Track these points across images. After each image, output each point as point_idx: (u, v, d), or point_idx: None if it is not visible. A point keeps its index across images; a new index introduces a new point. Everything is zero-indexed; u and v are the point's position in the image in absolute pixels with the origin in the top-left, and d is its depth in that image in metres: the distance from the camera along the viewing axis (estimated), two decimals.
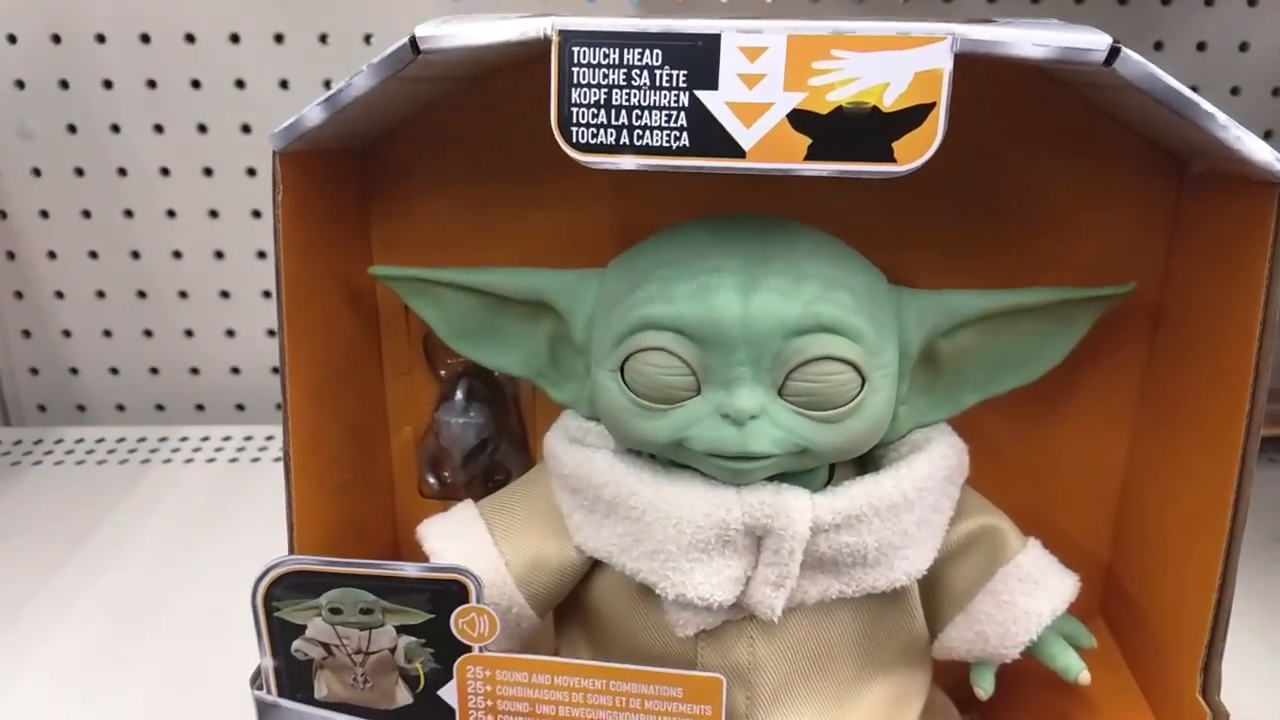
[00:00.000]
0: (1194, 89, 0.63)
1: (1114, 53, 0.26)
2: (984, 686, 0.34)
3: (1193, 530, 0.33)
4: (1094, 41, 0.26)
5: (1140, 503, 0.38)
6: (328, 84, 0.64)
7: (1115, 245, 0.36)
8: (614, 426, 0.31)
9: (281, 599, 0.29)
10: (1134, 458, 0.39)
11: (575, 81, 0.26)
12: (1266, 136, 0.66)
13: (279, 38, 0.63)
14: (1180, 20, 0.63)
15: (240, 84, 0.65)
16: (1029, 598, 0.33)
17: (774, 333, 0.28)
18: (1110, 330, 0.37)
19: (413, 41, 0.27)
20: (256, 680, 0.31)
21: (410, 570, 0.29)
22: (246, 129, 0.65)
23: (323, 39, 0.63)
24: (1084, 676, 0.33)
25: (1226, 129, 0.27)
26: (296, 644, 0.30)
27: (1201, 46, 0.63)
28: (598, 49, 0.26)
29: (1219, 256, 0.32)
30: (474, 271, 0.35)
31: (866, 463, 0.33)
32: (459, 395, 0.40)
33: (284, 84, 0.64)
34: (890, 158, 0.26)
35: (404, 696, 0.30)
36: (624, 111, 0.26)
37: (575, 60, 0.26)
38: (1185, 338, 0.35)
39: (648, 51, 0.26)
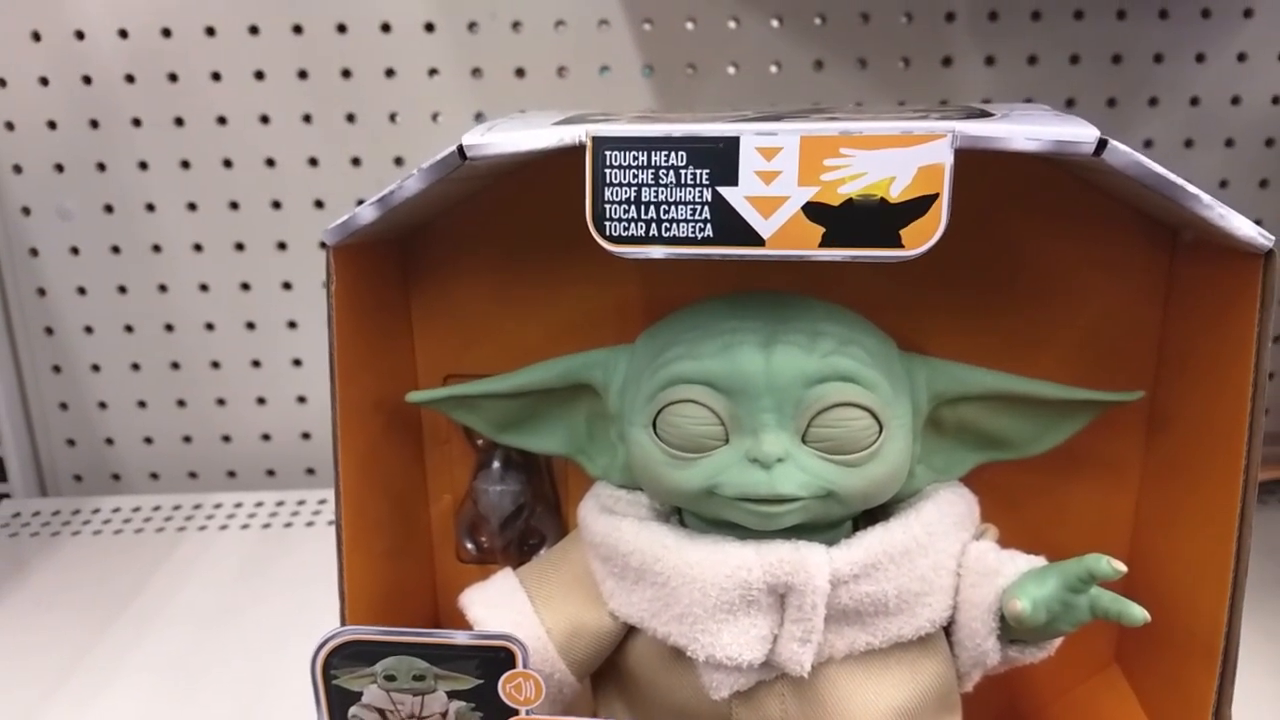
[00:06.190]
0: (1189, 143, 0.66)
1: (1101, 144, 0.28)
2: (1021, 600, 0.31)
3: (1199, 579, 0.34)
4: (1083, 135, 0.28)
5: (1149, 553, 0.39)
6: (355, 161, 0.67)
7: (1114, 309, 0.38)
8: (648, 480, 0.33)
9: (339, 667, 0.31)
10: (1141, 510, 0.40)
11: (608, 181, 0.29)
12: (1262, 186, 0.67)
13: (307, 118, 0.66)
14: (1173, 77, 0.65)
15: (270, 163, 0.67)
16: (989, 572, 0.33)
17: (795, 382, 0.30)
18: (1114, 387, 0.39)
19: (460, 150, 0.30)
20: None
21: (461, 638, 0.30)
22: (277, 205, 0.68)
23: (350, 118, 0.66)
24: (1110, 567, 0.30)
25: (1211, 208, 0.29)
26: (353, 710, 0.31)
27: (1195, 101, 0.66)
28: (628, 152, 0.28)
29: (1212, 320, 0.34)
30: (508, 377, 0.36)
31: (884, 520, 0.34)
32: (496, 464, 0.42)
33: (313, 161, 0.67)
34: (899, 244, 0.28)
35: None
36: (653, 207, 0.28)
37: (607, 162, 0.28)
38: (1184, 394, 0.37)
39: (673, 153, 0.28)
